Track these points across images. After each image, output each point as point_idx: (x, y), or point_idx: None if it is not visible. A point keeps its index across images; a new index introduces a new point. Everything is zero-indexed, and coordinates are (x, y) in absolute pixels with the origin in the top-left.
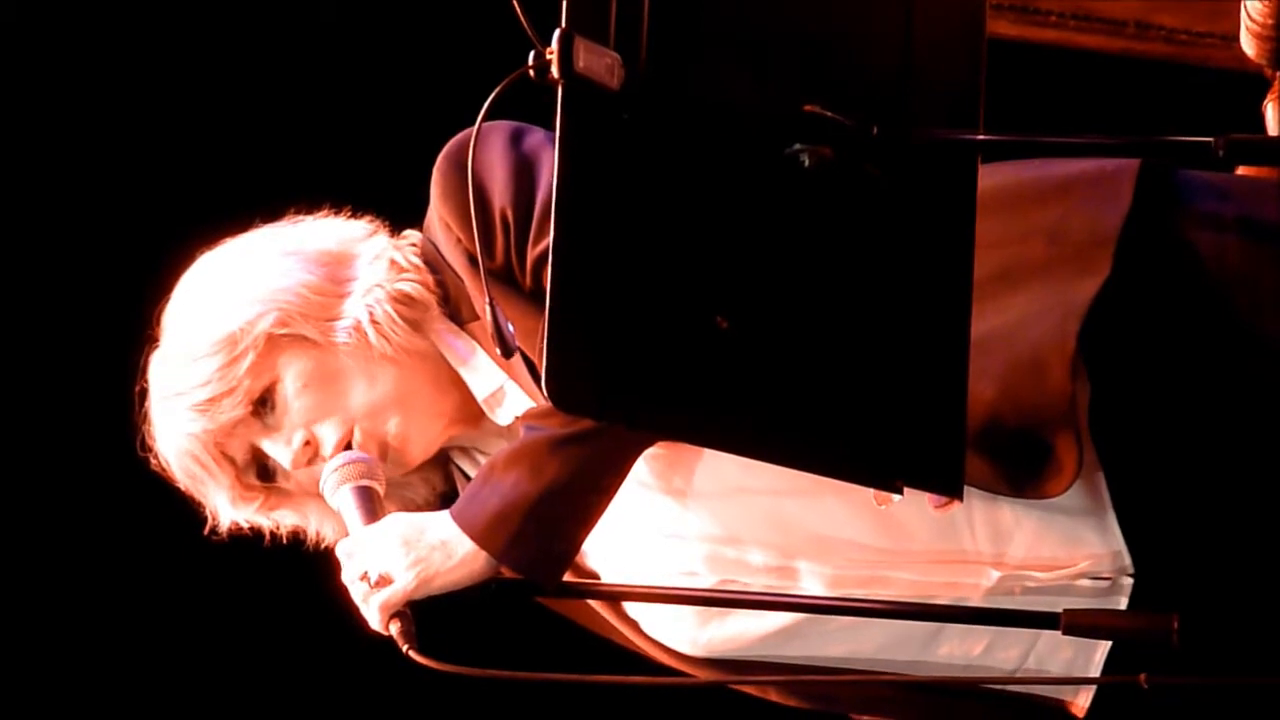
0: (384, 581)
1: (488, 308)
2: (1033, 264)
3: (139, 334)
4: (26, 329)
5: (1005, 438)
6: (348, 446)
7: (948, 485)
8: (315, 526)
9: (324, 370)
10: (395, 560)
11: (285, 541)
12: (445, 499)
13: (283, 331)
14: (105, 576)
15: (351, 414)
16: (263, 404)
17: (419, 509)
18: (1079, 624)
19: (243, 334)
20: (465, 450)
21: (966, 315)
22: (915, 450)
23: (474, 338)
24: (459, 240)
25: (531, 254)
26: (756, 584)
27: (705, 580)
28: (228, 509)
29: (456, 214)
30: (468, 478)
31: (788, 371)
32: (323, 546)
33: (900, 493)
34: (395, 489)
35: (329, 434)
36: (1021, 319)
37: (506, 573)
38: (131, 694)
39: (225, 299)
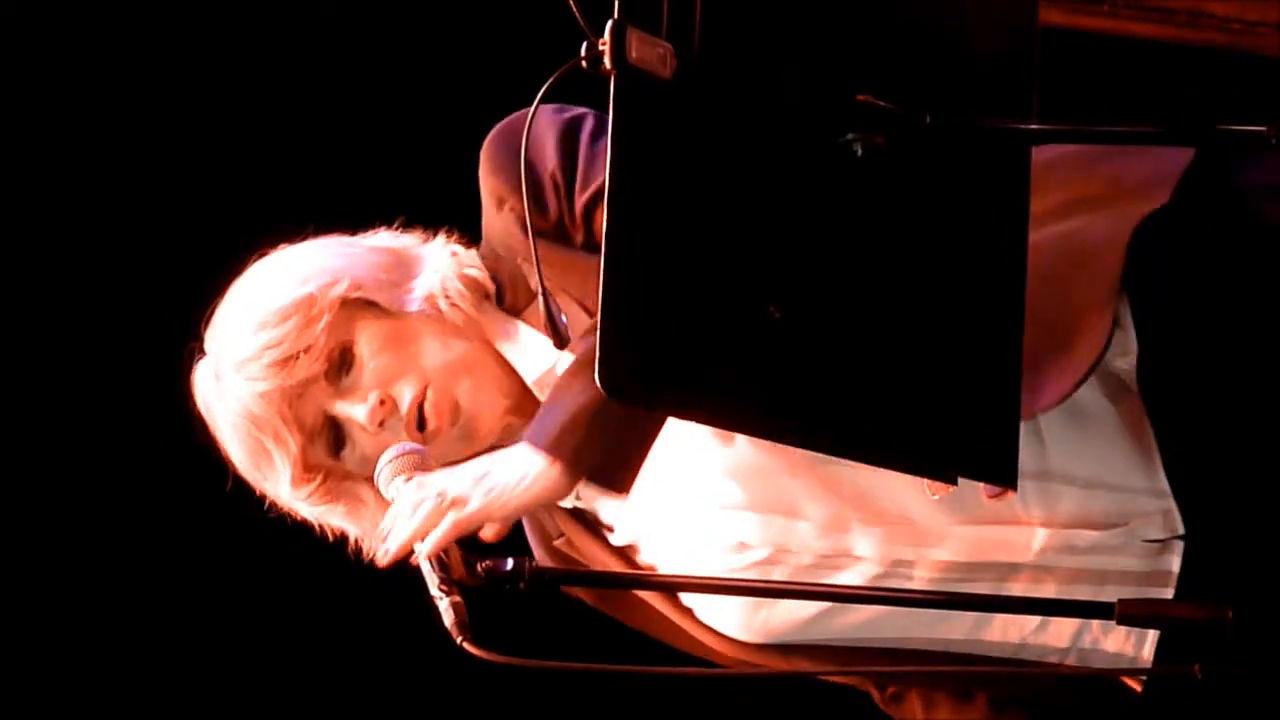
0: (459, 503)
1: (541, 298)
2: (1094, 199)
3: (165, 359)
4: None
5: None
6: (421, 406)
7: (1002, 476)
8: (371, 513)
9: (398, 335)
10: (468, 484)
11: (331, 540)
12: None
13: (357, 295)
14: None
15: (426, 374)
16: (338, 366)
17: None
18: (1133, 614)
19: (320, 295)
20: None
21: (1020, 303)
22: (970, 441)
23: (530, 324)
24: (513, 209)
25: (579, 201)
26: (808, 549)
27: (757, 552)
28: (286, 490)
29: (509, 182)
30: None
31: (841, 362)
32: (368, 556)
33: (955, 483)
34: None
35: (404, 392)
36: (1077, 229)
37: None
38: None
39: (293, 275)
